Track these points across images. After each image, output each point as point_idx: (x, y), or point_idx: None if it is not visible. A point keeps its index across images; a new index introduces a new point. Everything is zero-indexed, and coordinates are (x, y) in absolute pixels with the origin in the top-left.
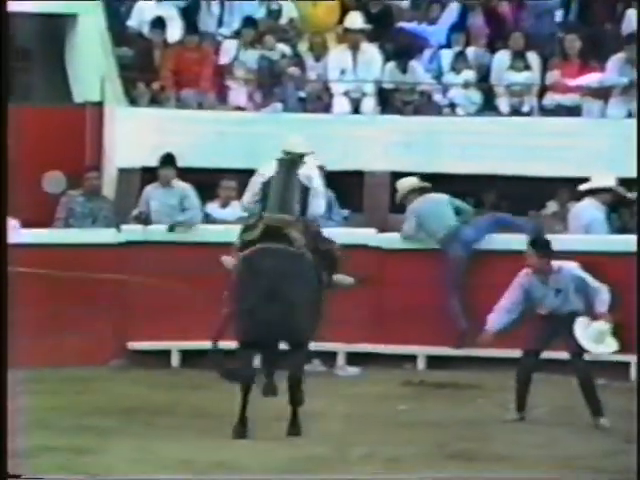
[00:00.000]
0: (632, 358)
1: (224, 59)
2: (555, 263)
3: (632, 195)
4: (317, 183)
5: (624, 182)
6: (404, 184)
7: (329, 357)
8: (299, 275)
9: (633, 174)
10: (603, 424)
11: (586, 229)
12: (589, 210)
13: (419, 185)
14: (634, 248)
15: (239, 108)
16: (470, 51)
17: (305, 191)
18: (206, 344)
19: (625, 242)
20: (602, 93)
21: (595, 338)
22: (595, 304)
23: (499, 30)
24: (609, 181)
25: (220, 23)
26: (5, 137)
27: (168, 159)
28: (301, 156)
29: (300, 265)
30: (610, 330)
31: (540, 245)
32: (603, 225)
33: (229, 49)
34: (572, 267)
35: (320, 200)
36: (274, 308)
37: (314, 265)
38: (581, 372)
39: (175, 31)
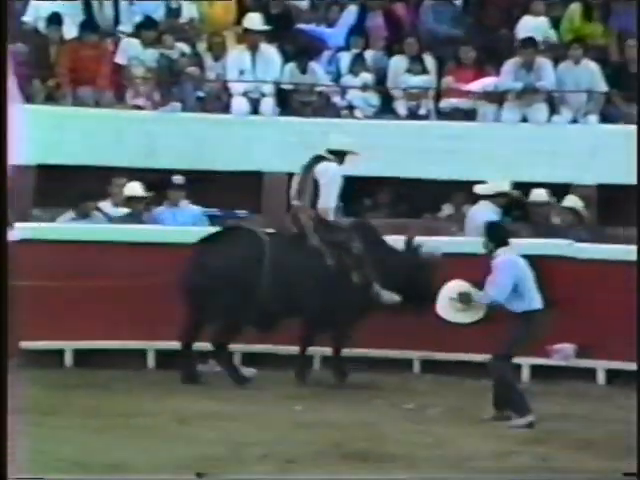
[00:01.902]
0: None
1: (122, 57)
2: None
3: (525, 198)
4: (327, 178)
5: (518, 186)
6: None
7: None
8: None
9: (526, 178)
10: (515, 424)
11: (481, 231)
12: (484, 213)
13: None
14: (532, 251)
15: (137, 107)
16: (368, 54)
17: (316, 185)
18: (100, 343)
19: (520, 246)
20: (497, 97)
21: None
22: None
23: (397, 33)
24: (504, 185)
25: (119, 21)
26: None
27: None
28: (342, 154)
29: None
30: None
31: None
32: None
33: (128, 47)
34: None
35: (328, 194)
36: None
37: (321, 252)
38: (495, 372)
39: (72, 28)
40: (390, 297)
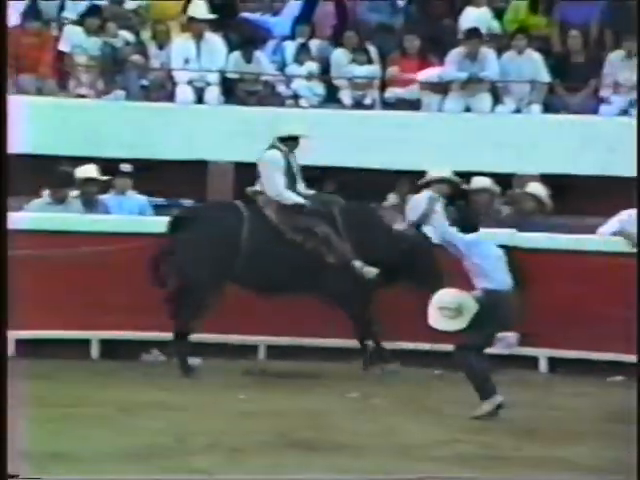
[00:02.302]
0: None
1: (66, 45)
2: None
3: (468, 186)
4: (263, 165)
5: (461, 176)
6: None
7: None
8: None
9: (470, 167)
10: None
11: (415, 219)
12: (424, 201)
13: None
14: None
15: (81, 95)
16: (314, 43)
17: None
18: (44, 333)
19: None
20: (441, 87)
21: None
22: None
23: (344, 22)
24: (444, 173)
25: (63, 8)
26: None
27: None
28: (294, 139)
29: None
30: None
31: None
32: (433, 215)
33: (71, 35)
34: None
35: (267, 180)
36: None
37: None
38: (461, 365)
39: (14, 15)
40: (368, 271)
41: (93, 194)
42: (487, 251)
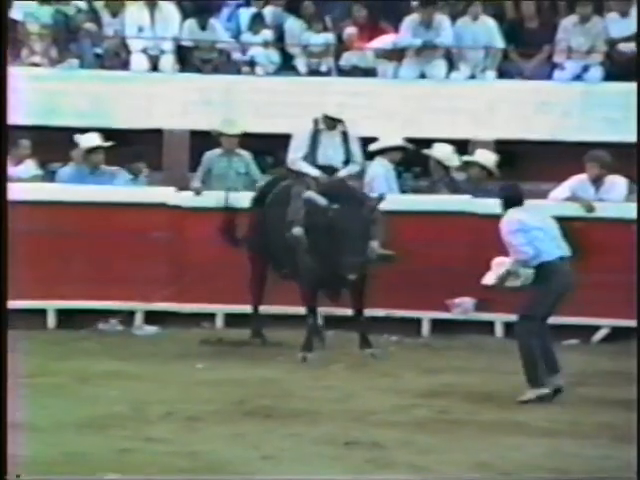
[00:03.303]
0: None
1: (17, 13)
2: None
3: (425, 152)
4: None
5: (415, 142)
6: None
7: (127, 316)
8: None
9: (425, 134)
10: (557, 384)
11: (369, 186)
12: (372, 167)
13: None
14: (431, 207)
15: (34, 64)
16: (268, 11)
17: None
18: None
19: (414, 202)
20: (396, 54)
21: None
22: None
23: None
24: (397, 140)
25: None
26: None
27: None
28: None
29: None
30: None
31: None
32: (386, 182)
33: (23, 3)
34: None
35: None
36: None
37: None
38: (518, 338)
39: None
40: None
41: (99, 163)
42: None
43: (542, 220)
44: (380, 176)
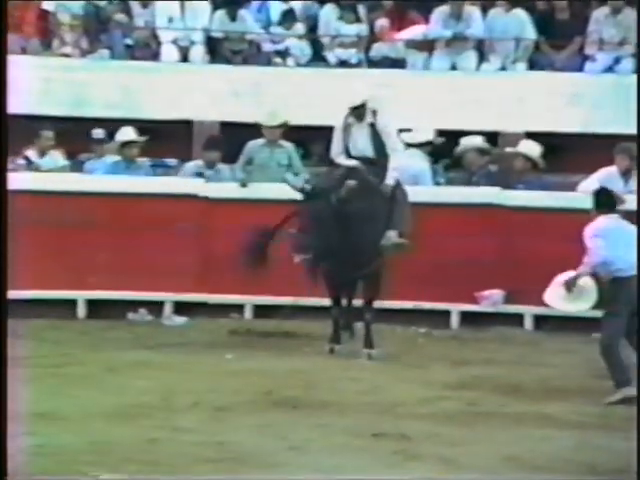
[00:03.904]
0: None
1: (49, 4)
2: None
3: (509, 150)
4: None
5: (445, 134)
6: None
7: (156, 307)
8: None
9: (456, 126)
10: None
11: (414, 180)
12: (415, 161)
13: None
14: (460, 199)
15: (65, 55)
16: (298, 3)
17: None
18: (30, 293)
19: (444, 194)
20: (426, 45)
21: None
22: None
23: None
24: (429, 133)
25: None
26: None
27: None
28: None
29: None
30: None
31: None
32: (429, 176)
33: None
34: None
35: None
36: None
37: None
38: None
39: None
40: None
41: (134, 156)
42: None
43: (629, 235)
44: (426, 170)
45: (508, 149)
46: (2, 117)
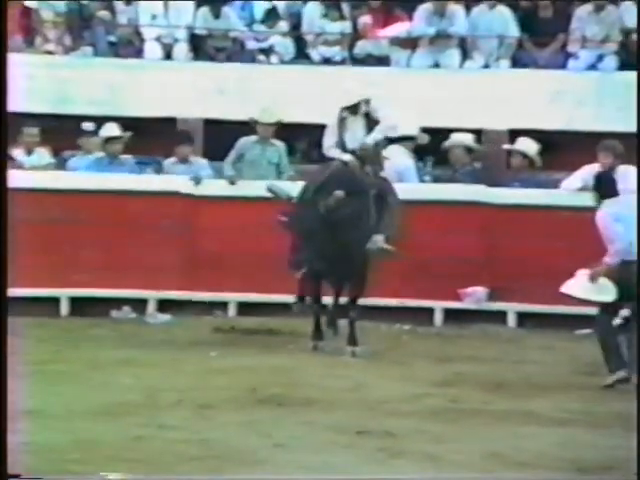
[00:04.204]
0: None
1: (32, 1)
2: None
3: (505, 147)
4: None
5: (429, 131)
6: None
7: (139, 304)
8: None
9: (439, 123)
10: (621, 377)
11: (399, 177)
12: (399, 157)
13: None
14: (443, 196)
15: (48, 52)
16: (281, 2)
17: None
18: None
19: (428, 191)
20: (409, 43)
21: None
22: None
23: None
24: (414, 129)
25: None
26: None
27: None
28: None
29: None
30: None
31: None
32: (414, 173)
33: None
34: None
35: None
36: None
37: None
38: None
39: None
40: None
41: (118, 152)
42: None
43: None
44: (411, 167)
45: (505, 146)
46: (2, 117)
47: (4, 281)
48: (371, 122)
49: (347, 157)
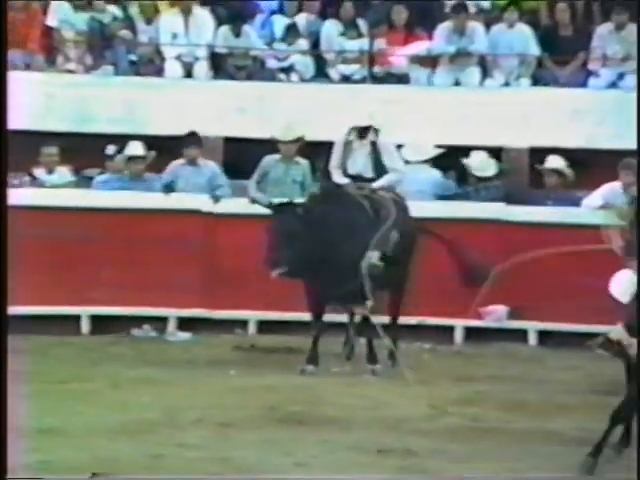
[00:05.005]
0: (457, 322)
1: (53, 20)
2: None
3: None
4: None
5: (449, 150)
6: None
7: (160, 322)
8: None
9: (459, 142)
10: None
11: (433, 189)
12: (426, 173)
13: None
14: (458, 214)
15: (69, 71)
16: (301, 19)
17: None
18: (34, 309)
19: (448, 209)
20: (430, 61)
21: None
22: None
23: None
24: (430, 150)
25: None
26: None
27: (192, 137)
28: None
29: None
30: None
31: None
32: (446, 182)
33: (58, 10)
34: None
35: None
36: None
37: None
38: None
39: None
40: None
41: (140, 171)
42: None
43: None
44: (439, 177)
45: (537, 166)
46: (2, 130)
47: (4, 298)
48: (377, 152)
49: (344, 182)
